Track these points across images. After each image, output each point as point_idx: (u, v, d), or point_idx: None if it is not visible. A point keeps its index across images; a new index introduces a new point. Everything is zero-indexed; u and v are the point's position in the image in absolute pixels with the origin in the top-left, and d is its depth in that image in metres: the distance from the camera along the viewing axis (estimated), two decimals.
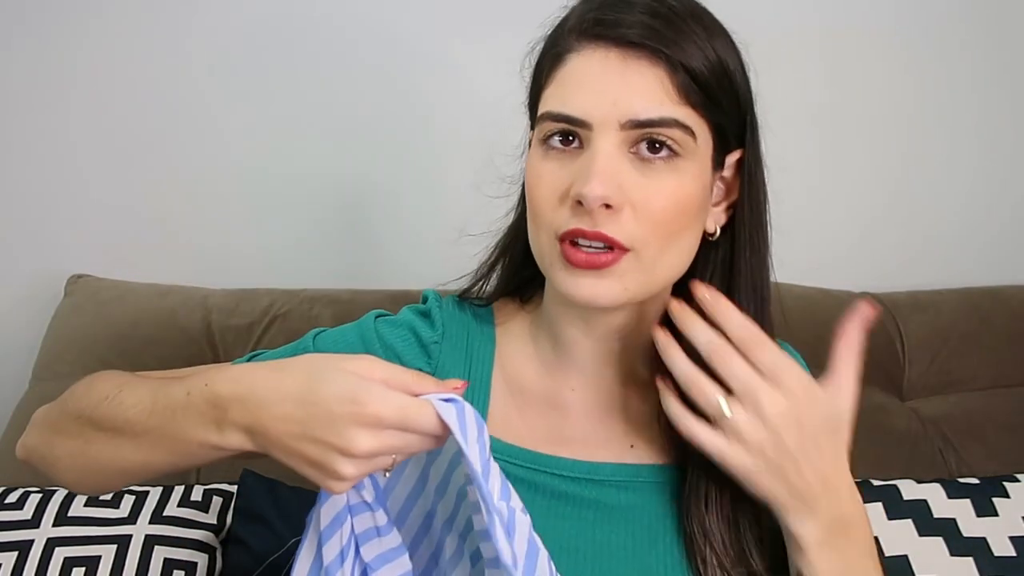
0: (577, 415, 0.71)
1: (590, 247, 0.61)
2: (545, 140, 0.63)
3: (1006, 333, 1.31)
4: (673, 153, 0.61)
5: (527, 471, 0.69)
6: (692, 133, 0.61)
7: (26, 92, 1.34)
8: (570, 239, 0.61)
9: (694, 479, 0.67)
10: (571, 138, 0.62)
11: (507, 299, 0.77)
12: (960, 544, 1.06)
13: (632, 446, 0.71)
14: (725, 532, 0.66)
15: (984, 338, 1.31)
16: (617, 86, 0.59)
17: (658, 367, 0.66)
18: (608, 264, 0.61)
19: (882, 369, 1.29)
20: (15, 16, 1.32)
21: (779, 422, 0.59)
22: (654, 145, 0.60)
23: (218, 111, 1.36)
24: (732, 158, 0.66)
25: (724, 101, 0.63)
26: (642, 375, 0.72)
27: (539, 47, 0.67)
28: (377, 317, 0.75)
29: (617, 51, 0.60)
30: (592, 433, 0.71)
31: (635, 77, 0.59)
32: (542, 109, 0.63)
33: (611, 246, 0.60)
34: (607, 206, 0.59)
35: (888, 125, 1.42)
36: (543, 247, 0.64)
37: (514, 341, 0.74)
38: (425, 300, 0.77)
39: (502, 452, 0.69)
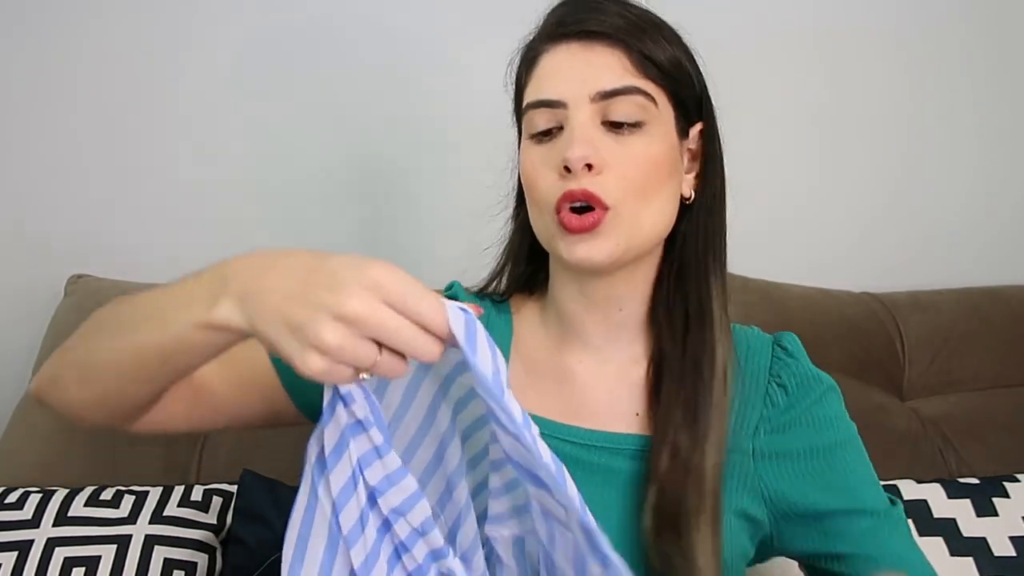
0: (586, 385, 0.76)
1: (578, 213, 0.68)
2: (532, 134, 0.72)
3: (1006, 333, 1.31)
4: (638, 123, 0.69)
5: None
6: (653, 99, 0.69)
7: (26, 92, 1.34)
8: (564, 205, 0.68)
9: (667, 444, 0.70)
10: (554, 127, 0.70)
11: (518, 293, 0.84)
12: (960, 544, 1.06)
13: (637, 414, 0.75)
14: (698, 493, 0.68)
15: (984, 338, 1.31)
16: (583, 67, 0.69)
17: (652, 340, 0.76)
18: (595, 224, 0.67)
19: (882, 369, 1.29)
20: (15, 16, 1.32)
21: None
22: (620, 116, 0.69)
23: (218, 110, 1.36)
24: (695, 130, 0.75)
25: (678, 76, 0.71)
26: (642, 347, 0.77)
27: (516, 61, 0.76)
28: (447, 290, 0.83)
29: (579, 42, 0.70)
30: (601, 402, 0.76)
31: (597, 58, 0.69)
32: (524, 103, 0.73)
33: (597, 205, 0.67)
34: (589, 167, 0.67)
35: (888, 125, 1.42)
36: (544, 223, 0.71)
37: (528, 325, 0.81)
38: (450, 287, 0.84)
39: None
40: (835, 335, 1.27)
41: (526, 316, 0.81)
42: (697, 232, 0.74)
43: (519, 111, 0.75)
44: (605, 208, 0.67)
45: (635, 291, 0.75)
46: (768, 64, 1.36)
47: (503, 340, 0.78)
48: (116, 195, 1.38)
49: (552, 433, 0.73)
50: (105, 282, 1.32)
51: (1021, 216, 1.47)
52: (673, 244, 0.75)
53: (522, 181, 0.74)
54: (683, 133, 0.73)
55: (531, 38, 0.75)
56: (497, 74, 0.79)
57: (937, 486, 1.12)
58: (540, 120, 0.70)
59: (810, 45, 1.38)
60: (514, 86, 0.77)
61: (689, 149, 0.75)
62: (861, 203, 1.45)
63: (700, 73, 0.74)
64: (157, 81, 1.35)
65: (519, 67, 0.76)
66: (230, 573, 1.02)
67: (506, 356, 0.76)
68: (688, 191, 0.74)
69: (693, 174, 0.75)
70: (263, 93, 1.36)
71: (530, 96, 0.72)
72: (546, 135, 0.71)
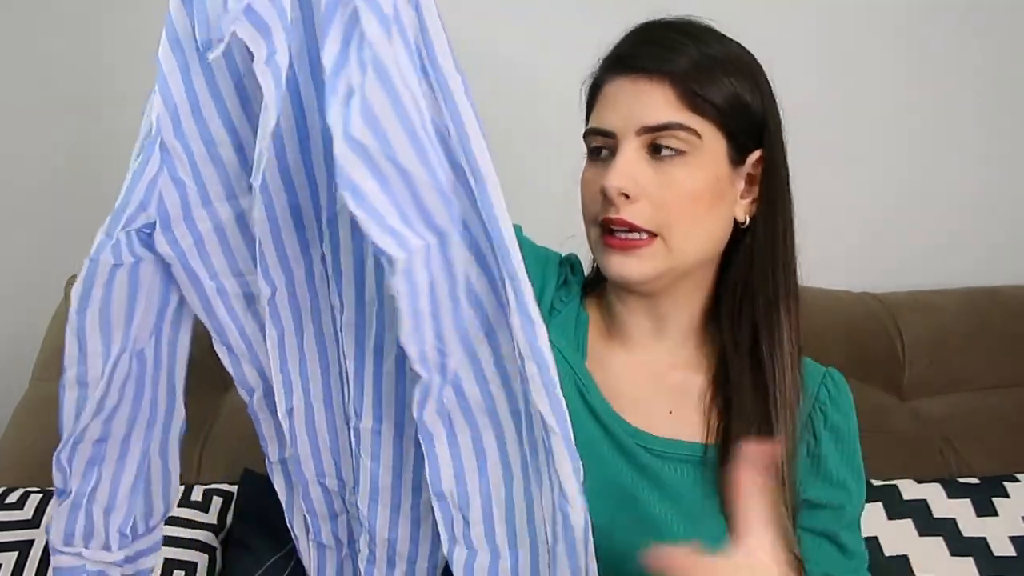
0: (622, 374, 0.81)
1: (625, 235, 0.73)
2: (589, 154, 0.78)
3: (1006, 333, 1.31)
4: (679, 152, 0.72)
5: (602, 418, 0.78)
6: (696, 133, 0.72)
7: (26, 91, 1.34)
8: (605, 227, 0.74)
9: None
10: (605, 151, 0.76)
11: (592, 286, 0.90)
12: (960, 544, 1.06)
13: (671, 412, 0.79)
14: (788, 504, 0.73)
15: (984, 338, 1.31)
16: (630, 103, 0.74)
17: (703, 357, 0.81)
18: (638, 247, 0.73)
19: (882, 369, 1.29)
20: (14, 15, 1.32)
21: None
22: (662, 149, 0.73)
23: None
24: (753, 156, 0.77)
25: (730, 110, 0.74)
26: (684, 355, 0.81)
27: (588, 83, 0.81)
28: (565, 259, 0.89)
29: (630, 77, 0.74)
30: (635, 393, 0.80)
31: (644, 95, 0.73)
32: (586, 128, 0.79)
33: (638, 231, 0.72)
34: (625, 196, 0.72)
35: (888, 125, 1.42)
36: (591, 237, 0.78)
37: (592, 315, 0.86)
38: (569, 258, 0.89)
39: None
40: (835, 335, 1.27)
41: (590, 305, 0.87)
42: (753, 256, 0.78)
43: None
44: (652, 235, 0.73)
45: (678, 303, 0.79)
46: (768, 64, 1.36)
47: (583, 327, 0.84)
48: (116, 195, 1.37)
49: (610, 420, 0.77)
50: None
51: (1021, 216, 1.47)
52: (731, 266, 0.80)
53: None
54: (738, 161, 0.76)
55: (600, 65, 0.80)
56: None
57: (937, 486, 1.12)
58: (595, 143, 0.77)
59: (811, 45, 1.38)
60: (586, 107, 0.82)
61: (748, 174, 0.77)
62: (861, 203, 1.45)
63: (767, 103, 0.77)
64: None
65: (589, 90, 0.81)
66: (230, 573, 1.02)
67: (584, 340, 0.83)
68: (743, 216, 0.77)
69: (750, 199, 0.78)
70: None
71: (591, 122, 0.78)
72: (598, 155, 0.77)
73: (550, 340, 0.74)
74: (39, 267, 1.38)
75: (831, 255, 1.42)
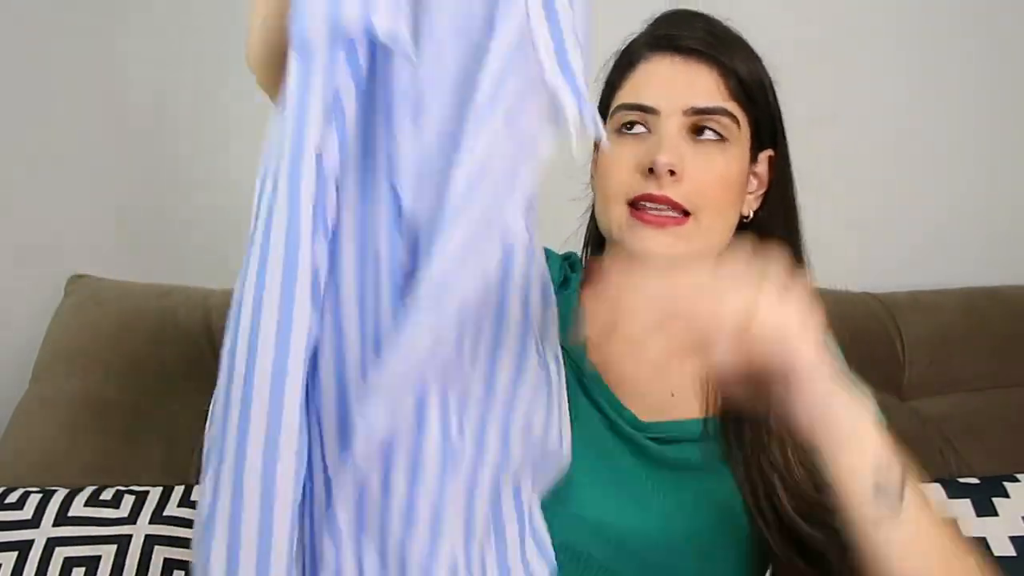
0: (624, 364, 0.78)
1: (656, 211, 0.72)
2: (618, 129, 0.77)
3: (1006, 333, 1.31)
4: (721, 137, 0.74)
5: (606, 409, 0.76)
6: (737, 121, 0.75)
7: (26, 91, 1.34)
8: (639, 202, 0.73)
9: (750, 422, 0.74)
10: (640, 127, 0.75)
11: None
12: None
13: (673, 395, 0.79)
14: (797, 458, 0.72)
15: (984, 338, 1.31)
16: (681, 82, 0.75)
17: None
18: (673, 224, 0.72)
19: (882, 369, 1.29)
20: (13, 15, 1.32)
21: None
22: (705, 131, 0.74)
23: (222, 110, 1.36)
24: (764, 155, 0.80)
25: (760, 102, 0.77)
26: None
27: (611, 62, 0.81)
28: (565, 258, 0.87)
29: (681, 57, 0.75)
30: (638, 381, 0.78)
31: (695, 76, 0.75)
32: (616, 103, 0.78)
33: (675, 209, 0.72)
34: (672, 173, 0.72)
35: (888, 124, 1.42)
36: (612, 216, 0.76)
37: (591, 307, 0.83)
38: (568, 256, 0.87)
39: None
40: (835, 335, 1.27)
41: (589, 298, 0.84)
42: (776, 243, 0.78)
43: (605, 108, 0.80)
44: (686, 214, 0.73)
45: None
46: (769, 65, 1.36)
47: (583, 321, 0.82)
48: (116, 195, 1.38)
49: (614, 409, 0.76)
50: (105, 282, 1.32)
51: (1021, 216, 1.47)
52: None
53: (596, 172, 0.79)
54: (753, 158, 0.78)
55: (629, 43, 0.80)
56: None
57: (937, 486, 1.12)
58: (630, 117, 0.76)
59: (810, 46, 1.38)
60: (604, 85, 0.82)
61: (755, 172, 0.80)
62: (860, 203, 1.45)
63: (776, 98, 0.80)
64: (159, 80, 1.35)
65: (613, 68, 0.81)
66: None
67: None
68: (747, 210, 0.80)
69: (754, 196, 0.81)
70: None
71: (625, 98, 0.77)
72: (629, 130, 0.75)
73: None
74: (39, 267, 1.38)
75: (831, 255, 1.42)
